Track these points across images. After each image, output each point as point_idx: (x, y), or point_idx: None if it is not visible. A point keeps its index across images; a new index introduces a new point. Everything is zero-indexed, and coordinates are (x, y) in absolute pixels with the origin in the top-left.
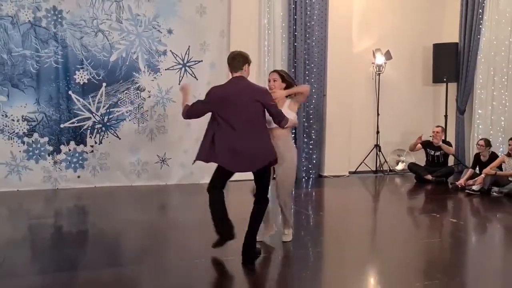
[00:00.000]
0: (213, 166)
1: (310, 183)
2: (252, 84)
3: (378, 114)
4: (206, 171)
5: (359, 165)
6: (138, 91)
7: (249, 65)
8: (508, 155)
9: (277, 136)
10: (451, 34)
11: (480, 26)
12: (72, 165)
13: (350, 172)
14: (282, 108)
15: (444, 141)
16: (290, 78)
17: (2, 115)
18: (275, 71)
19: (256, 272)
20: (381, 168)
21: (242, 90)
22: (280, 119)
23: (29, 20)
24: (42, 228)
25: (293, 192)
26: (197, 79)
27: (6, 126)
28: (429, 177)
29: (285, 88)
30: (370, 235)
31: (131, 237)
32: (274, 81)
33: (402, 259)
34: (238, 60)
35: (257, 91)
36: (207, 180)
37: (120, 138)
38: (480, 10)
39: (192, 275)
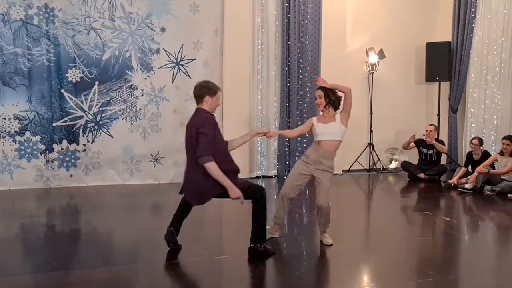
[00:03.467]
0: None
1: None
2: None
3: (371, 113)
4: None
5: (353, 164)
6: (131, 90)
7: (210, 96)
8: (501, 153)
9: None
10: (444, 33)
11: (473, 25)
12: (65, 163)
13: (343, 171)
14: (333, 123)
15: (437, 140)
16: (333, 95)
17: None
18: (319, 87)
19: (249, 271)
20: (375, 167)
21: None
22: (199, 153)
23: (21, 18)
24: (35, 227)
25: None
26: (190, 78)
27: None
28: (422, 175)
29: (328, 103)
30: (363, 233)
31: (124, 236)
32: (320, 97)
33: (395, 257)
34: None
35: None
36: None
37: (112, 137)
38: (473, 9)
39: (186, 274)
